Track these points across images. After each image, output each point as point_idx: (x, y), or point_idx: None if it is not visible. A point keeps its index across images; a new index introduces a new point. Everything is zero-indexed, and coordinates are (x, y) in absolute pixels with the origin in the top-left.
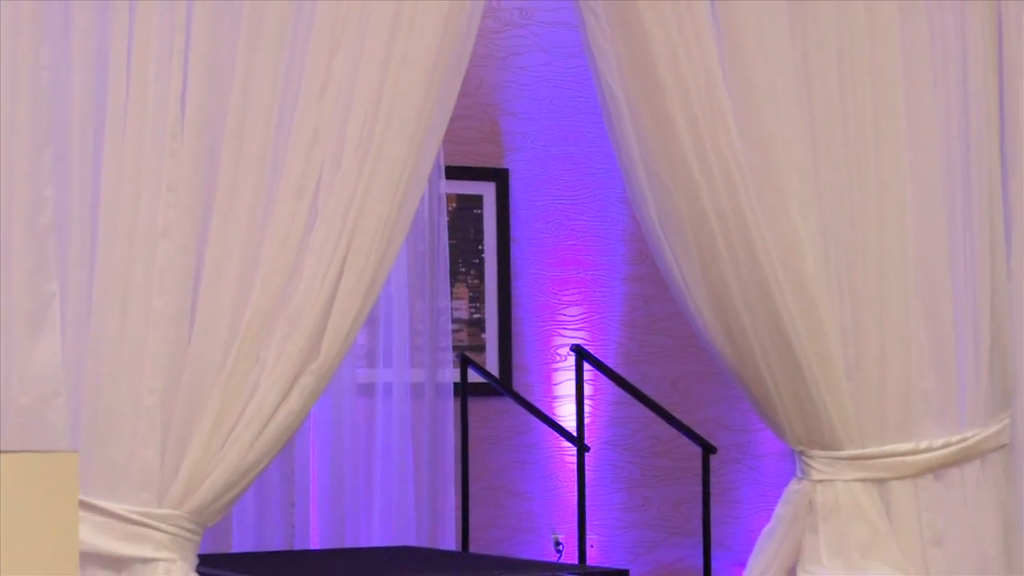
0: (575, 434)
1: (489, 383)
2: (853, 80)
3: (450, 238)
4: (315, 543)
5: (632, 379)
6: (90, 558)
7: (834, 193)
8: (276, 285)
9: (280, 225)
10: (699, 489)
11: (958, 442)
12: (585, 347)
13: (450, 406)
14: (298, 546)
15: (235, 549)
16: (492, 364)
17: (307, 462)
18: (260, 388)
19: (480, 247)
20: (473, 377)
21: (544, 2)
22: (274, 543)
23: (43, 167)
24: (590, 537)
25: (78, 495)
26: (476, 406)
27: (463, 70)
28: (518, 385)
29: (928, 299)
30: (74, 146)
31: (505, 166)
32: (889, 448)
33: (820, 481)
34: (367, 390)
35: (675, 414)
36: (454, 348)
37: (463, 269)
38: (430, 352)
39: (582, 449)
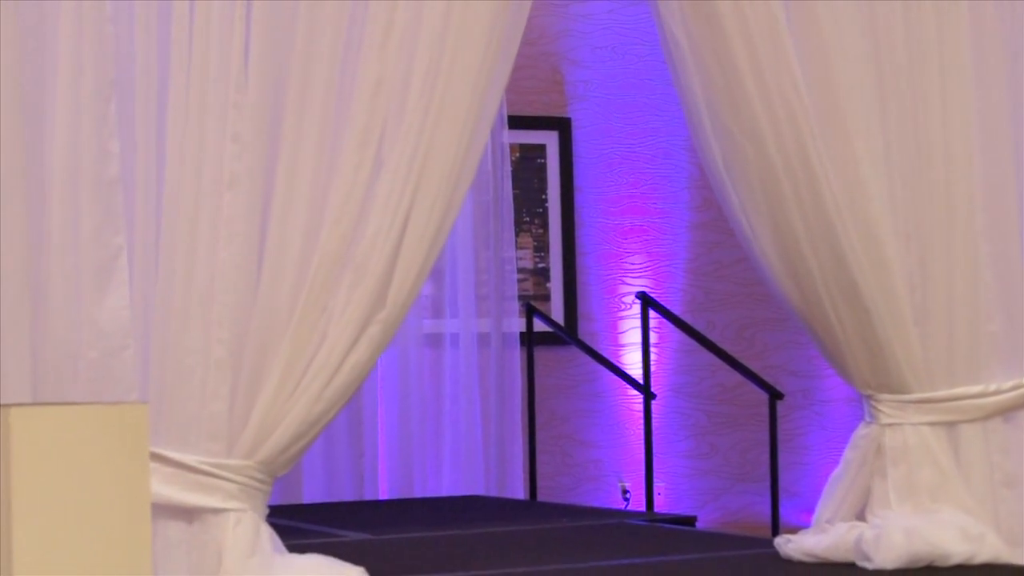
0: (641, 382)
1: (555, 332)
2: (919, 22)
3: (513, 188)
4: (384, 493)
5: (697, 326)
6: (161, 509)
7: (900, 137)
8: (342, 235)
9: (345, 175)
10: (766, 436)
11: None
12: (650, 294)
13: (516, 355)
14: (367, 496)
15: (305, 500)
16: (557, 313)
17: (375, 413)
18: (328, 338)
19: (544, 196)
20: (539, 326)
21: None
22: (344, 494)
23: (108, 121)
24: (657, 485)
25: (149, 446)
26: (542, 355)
27: (525, 16)
28: (583, 333)
29: (995, 241)
30: (138, 99)
31: (568, 115)
32: (958, 391)
33: (888, 425)
34: (434, 340)
35: (741, 360)
36: (519, 297)
37: (527, 219)
38: (496, 302)
39: (648, 397)
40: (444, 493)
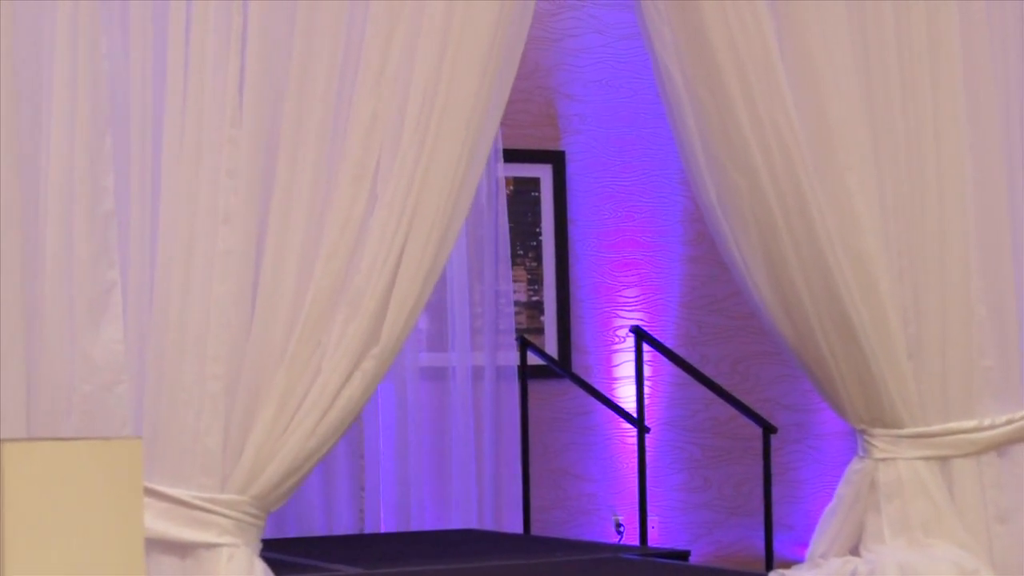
0: (635, 415)
1: (548, 365)
2: (911, 54)
3: (508, 221)
4: (382, 526)
5: (691, 359)
6: (154, 544)
7: (893, 170)
8: (336, 270)
9: (340, 210)
10: (760, 469)
11: (1021, 419)
12: (644, 328)
13: (513, 389)
14: (367, 530)
15: (303, 533)
16: (551, 346)
17: (376, 447)
18: (322, 373)
19: (538, 230)
20: (533, 359)
21: None
22: (343, 527)
23: (103, 155)
24: (651, 518)
25: (142, 482)
26: (536, 388)
27: (519, 52)
28: (577, 367)
29: (989, 275)
30: (134, 134)
31: (562, 148)
32: (951, 426)
33: (882, 460)
34: (430, 374)
35: (735, 394)
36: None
37: (521, 252)
38: (491, 335)
39: (642, 430)
40: (440, 527)
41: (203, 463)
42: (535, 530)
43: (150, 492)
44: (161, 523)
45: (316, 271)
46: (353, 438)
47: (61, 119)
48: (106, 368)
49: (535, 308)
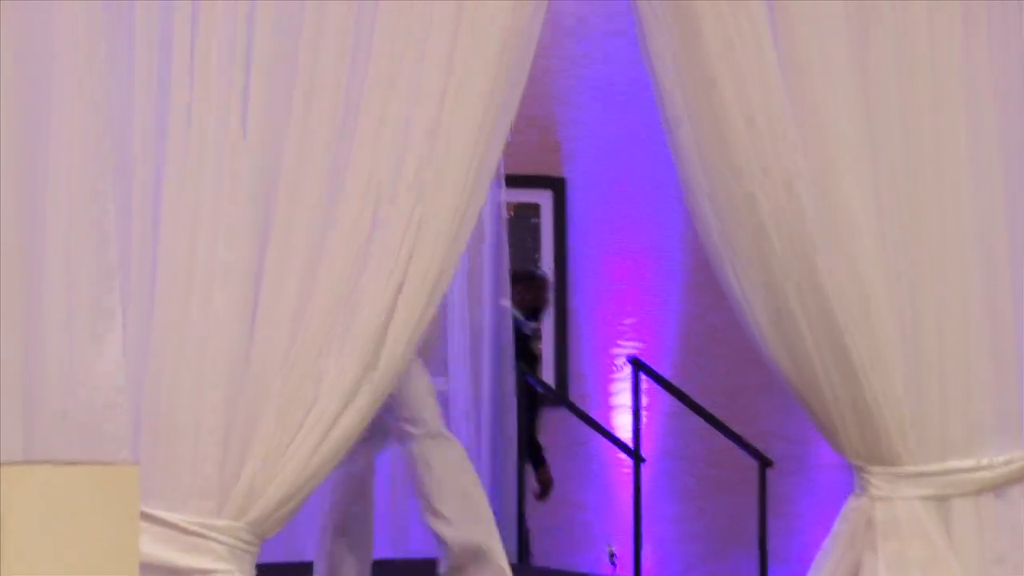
0: (631, 445)
1: (546, 394)
2: (912, 80)
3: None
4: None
5: (689, 389)
6: (149, 568)
7: (894, 204)
8: (336, 295)
9: (339, 238)
10: (755, 501)
11: (1021, 459)
12: (641, 358)
13: (513, 416)
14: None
15: (292, 559)
16: (549, 374)
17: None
18: (320, 399)
19: (537, 256)
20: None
21: (601, 12)
22: None
23: (105, 173)
24: (645, 548)
25: (139, 508)
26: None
27: (523, 82)
28: (574, 395)
29: (991, 314)
30: (136, 151)
31: (562, 175)
32: (950, 465)
33: (879, 498)
34: None
35: (732, 425)
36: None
37: None
38: (489, 362)
39: (638, 460)
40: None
41: (200, 487)
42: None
43: (146, 516)
44: (156, 548)
45: (314, 298)
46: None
47: (62, 138)
48: (105, 391)
49: (533, 336)
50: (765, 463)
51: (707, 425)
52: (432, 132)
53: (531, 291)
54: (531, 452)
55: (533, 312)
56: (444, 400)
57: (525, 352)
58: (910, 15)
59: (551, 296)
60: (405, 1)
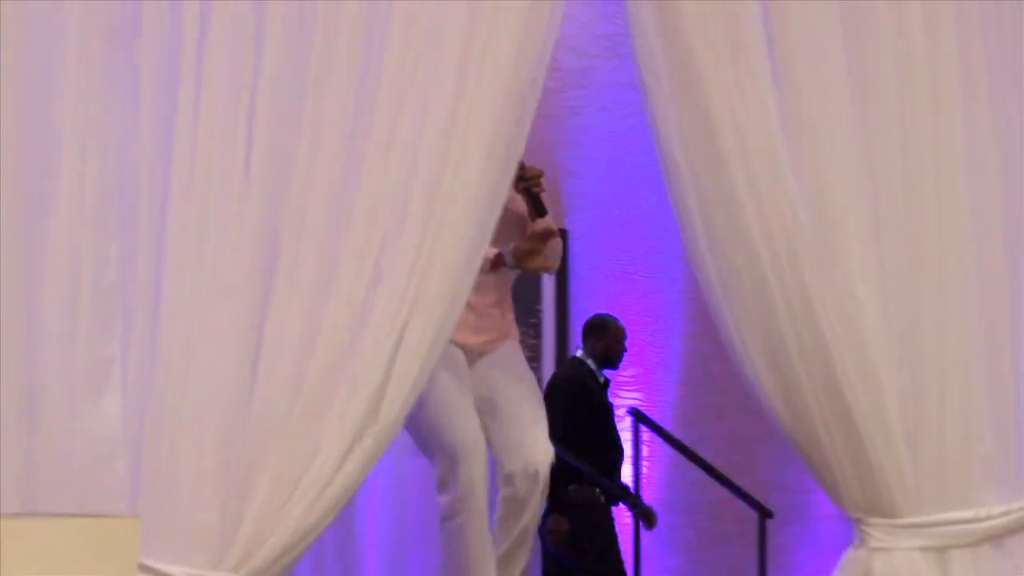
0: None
1: None
2: (915, 143)
3: None
4: None
5: (689, 439)
6: None
7: (894, 258)
8: (338, 346)
9: (343, 286)
10: (755, 553)
11: (1018, 510)
12: (642, 408)
13: None
14: None
15: None
16: None
17: (366, 526)
18: (321, 451)
19: (538, 307)
20: None
21: (605, 62)
22: None
23: (108, 227)
24: None
25: (138, 561)
26: None
27: (527, 130)
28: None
29: (989, 364)
30: (140, 206)
31: (564, 226)
32: (949, 516)
33: (878, 549)
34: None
35: (732, 475)
36: None
37: (522, 329)
38: None
39: (639, 512)
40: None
41: (199, 540)
42: None
43: (144, 568)
44: None
45: (317, 347)
46: (341, 517)
47: (67, 189)
48: (104, 442)
49: None
50: (765, 514)
51: (707, 476)
52: (432, 186)
53: (603, 340)
54: (625, 493)
55: (607, 361)
56: None
57: (600, 403)
58: (913, 71)
59: (626, 345)
60: (412, 32)
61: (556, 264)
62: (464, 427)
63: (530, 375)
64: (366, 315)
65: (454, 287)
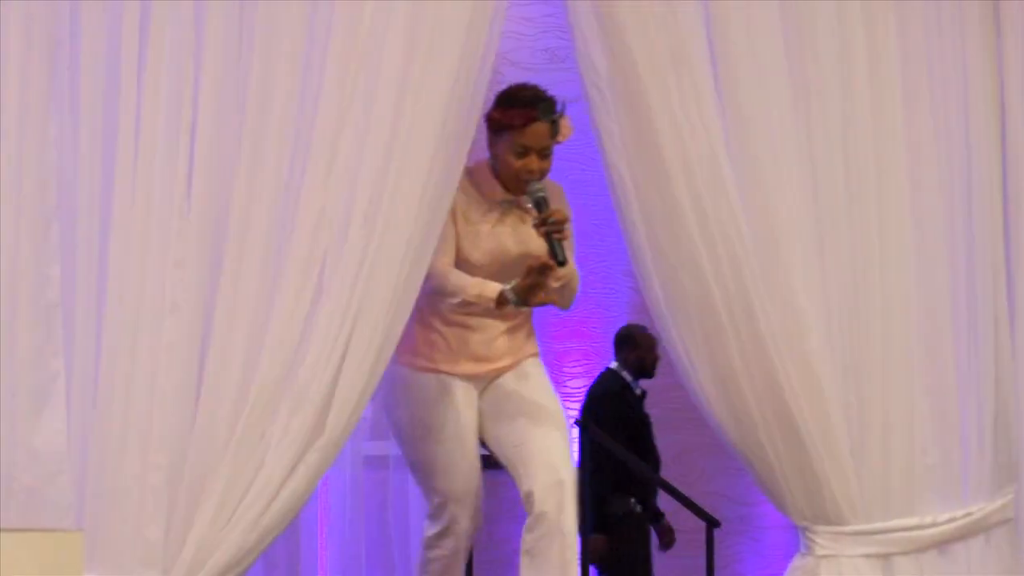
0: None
1: (492, 455)
2: (857, 154)
3: None
4: None
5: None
6: None
7: (838, 270)
8: (282, 362)
9: (286, 302)
10: (703, 562)
11: (963, 517)
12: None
13: None
14: None
15: None
16: None
17: (315, 539)
18: (266, 465)
19: None
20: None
21: (548, 75)
22: None
23: (49, 245)
24: None
25: (83, 574)
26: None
27: (468, 145)
28: None
29: (931, 375)
30: (81, 224)
31: None
32: (893, 523)
33: (824, 556)
34: (373, 463)
35: (679, 486)
36: None
37: None
38: None
39: (585, 523)
40: None
41: (144, 554)
42: None
43: None
44: None
45: (261, 363)
46: (290, 529)
47: (7, 208)
48: (48, 458)
49: None
50: (712, 524)
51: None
52: (374, 202)
53: (634, 352)
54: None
55: (642, 371)
56: (385, 463)
57: (637, 415)
58: (855, 83)
59: (659, 352)
60: (352, 46)
61: (567, 306)
62: (456, 477)
63: (548, 390)
64: (309, 330)
65: (397, 300)
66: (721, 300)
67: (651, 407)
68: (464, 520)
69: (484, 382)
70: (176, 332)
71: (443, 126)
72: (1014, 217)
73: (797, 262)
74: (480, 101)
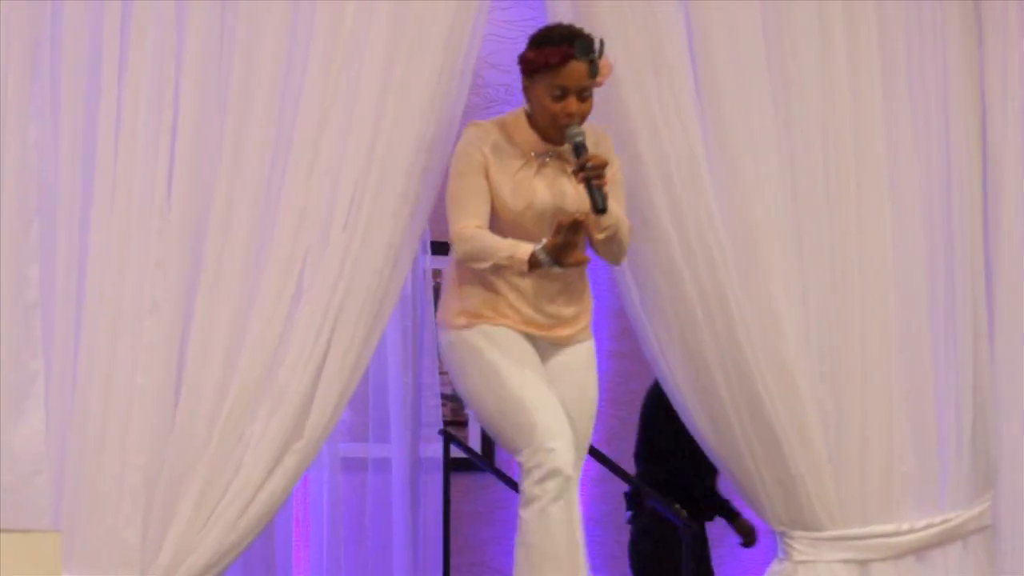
0: None
1: (471, 459)
2: (837, 156)
3: (434, 313)
4: None
5: (614, 455)
6: None
7: (816, 275)
8: (261, 363)
9: (266, 303)
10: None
11: (940, 523)
12: None
13: (436, 482)
14: None
15: None
16: (475, 440)
17: (289, 540)
18: (244, 466)
19: None
20: (456, 452)
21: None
22: None
23: (29, 245)
24: None
25: (61, 575)
26: (459, 481)
27: (450, 146)
28: (500, 461)
29: (910, 381)
30: (60, 224)
31: None
32: (871, 529)
33: (802, 562)
34: (351, 464)
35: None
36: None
37: None
38: (413, 428)
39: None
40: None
41: (121, 555)
42: None
43: None
44: None
45: (240, 364)
46: (266, 531)
47: None
48: (26, 458)
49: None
50: (691, 528)
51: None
52: (356, 203)
53: None
54: (720, 507)
55: None
56: (362, 465)
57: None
58: (835, 83)
59: None
60: (334, 47)
61: (619, 260)
62: (547, 406)
63: (592, 388)
64: (290, 330)
65: (378, 301)
66: (699, 305)
67: (633, 412)
68: (565, 452)
69: (541, 346)
70: (156, 332)
71: (425, 127)
72: (994, 221)
73: (775, 266)
74: (462, 102)
